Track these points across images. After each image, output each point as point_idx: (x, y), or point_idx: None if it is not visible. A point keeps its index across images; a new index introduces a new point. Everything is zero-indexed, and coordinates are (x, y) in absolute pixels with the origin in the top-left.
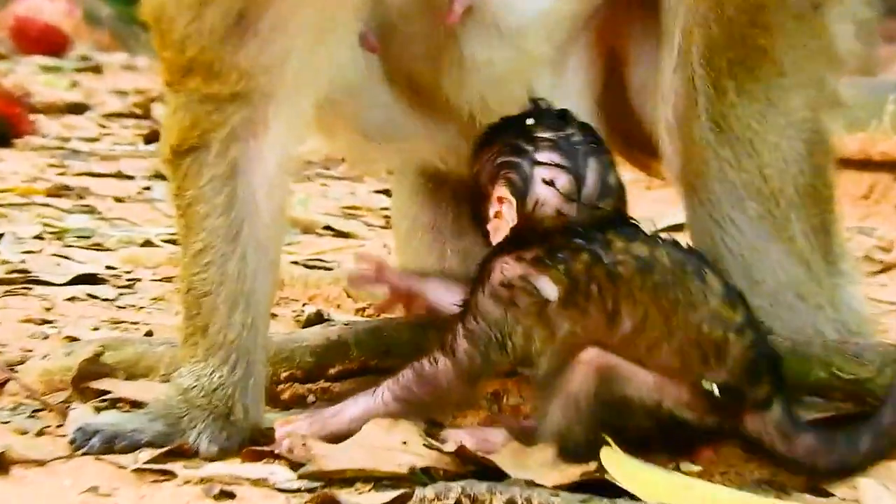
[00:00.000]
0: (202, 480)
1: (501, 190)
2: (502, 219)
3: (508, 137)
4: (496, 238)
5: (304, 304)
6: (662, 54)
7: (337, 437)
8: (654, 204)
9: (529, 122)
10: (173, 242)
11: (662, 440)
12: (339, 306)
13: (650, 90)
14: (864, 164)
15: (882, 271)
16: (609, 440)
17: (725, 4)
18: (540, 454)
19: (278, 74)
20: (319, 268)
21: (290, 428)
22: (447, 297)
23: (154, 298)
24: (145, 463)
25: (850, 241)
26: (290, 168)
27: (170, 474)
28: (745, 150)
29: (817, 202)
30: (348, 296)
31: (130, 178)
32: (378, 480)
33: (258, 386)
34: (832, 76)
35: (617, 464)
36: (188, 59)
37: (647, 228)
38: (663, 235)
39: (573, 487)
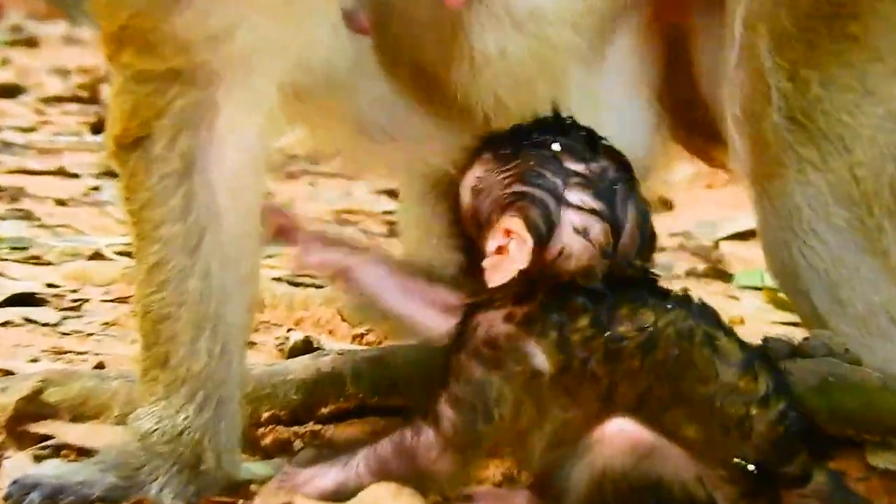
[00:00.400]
0: None
1: (513, 223)
2: (507, 257)
3: (529, 160)
4: (493, 279)
5: (289, 330)
6: (725, 47)
7: None
8: (717, 207)
9: (555, 147)
10: (128, 255)
11: None
12: (331, 332)
13: (719, 73)
14: None
15: None
16: None
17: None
18: None
19: (225, 49)
20: (308, 285)
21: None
22: (384, 284)
23: (105, 323)
24: None
25: None
26: (259, 164)
27: None
28: (833, 148)
29: None
30: (343, 319)
31: (75, 176)
32: None
33: (232, 428)
34: None
35: None
36: (119, 27)
37: (663, 281)
38: (676, 291)
39: None
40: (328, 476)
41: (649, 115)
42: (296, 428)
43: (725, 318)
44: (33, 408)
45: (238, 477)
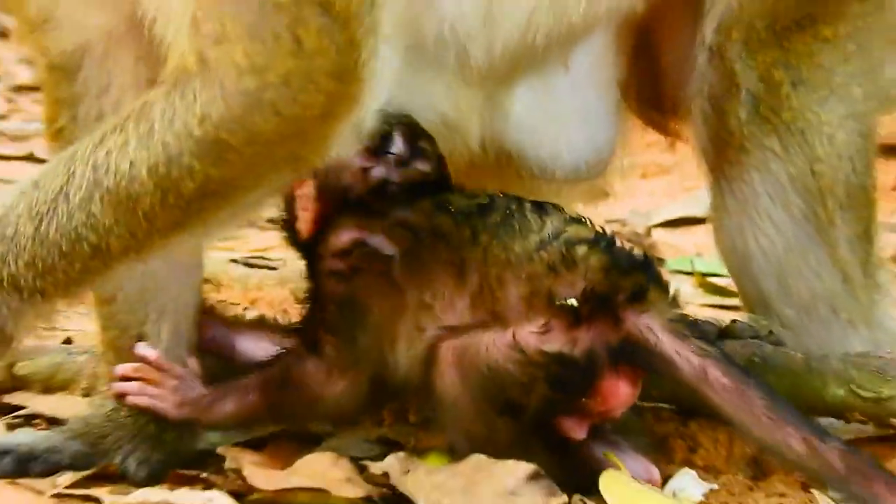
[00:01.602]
0: None
1: (299, 185)
2: (306, 205)
3: None
4: (306, 227)
5: (244, 309)
6: (693, 45)
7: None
8: (651, 195)
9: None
10: None
11: (560, 388)
12: (285, 311)
13: (686, 67)
14: (893, 150)
15: None
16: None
17: (776, 2)
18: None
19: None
20: (262, 266)
21: (149, 401)
22: (256, 346)
23: None
24: (66, 488)
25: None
26: None
27: (94, 501)
28: (795, 141)
29: (865, 204)
30: (296, 300)
31: (44, 161)
32: None
33: None
34: (891, 59)
35: (614, 487)
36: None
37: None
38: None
39: None
40: (228, 402)
41: (614, 113)
42: None
43: None
44: (5, 380)
45: (197, 446)
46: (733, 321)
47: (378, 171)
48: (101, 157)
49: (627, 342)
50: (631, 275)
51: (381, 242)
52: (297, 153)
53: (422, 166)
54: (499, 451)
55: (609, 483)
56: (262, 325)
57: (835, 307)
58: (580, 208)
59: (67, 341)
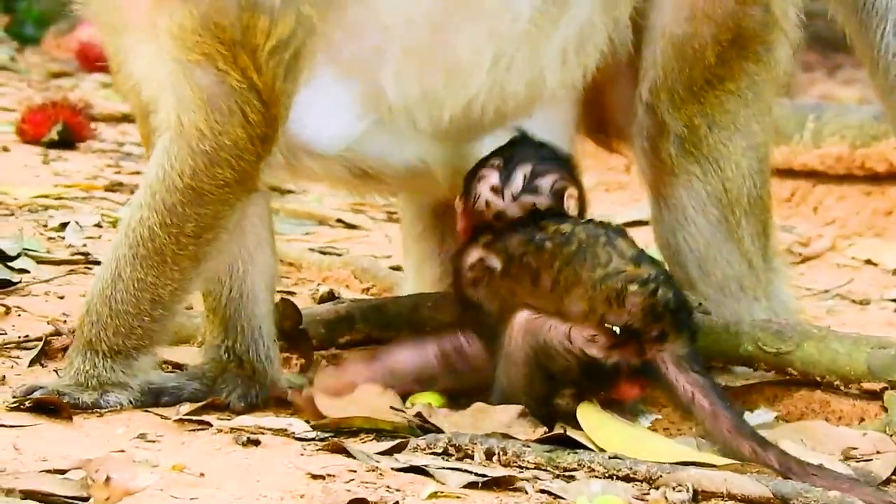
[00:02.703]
0: (232, 430)
1: (457, 200)
2: (458, 217)
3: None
4: (458, 231)
5: (318, 284)
6: (633, 99)
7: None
8: (612, 205)
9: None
10: None
11: (587, 378)
12: (347, 286)
13: (629, 114)
14: (787, 173)
15: (801, 262)
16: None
17: (692, 72)
18: (503, 413)
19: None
20: (331, 254)
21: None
22: (415, 358)
23: None
24: (185, 415)
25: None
26: None
27: (206, 424)
28: (711, 168)
29: (763, 210)
30: (355, 277)
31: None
32: (378, 432)
33: (268, 350)
34: (777, 103)
35: (589, 416)
36: None
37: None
38: (595, 218)
39: (541, 440)
40: (406, 358)
41: (570, 147)
42: (321, 352)
43: None
44: None
45: (280, 383)
46: None
47: (497, 204)
48: (131, 234)
49: (645, 365)
50: (662, 320)
51: (492, 260)
52: (249, 187)
53: (534, 199)
54: (528, 403)
55: (585, 412)
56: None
57: (743, 286)
58: None
59: (189, 308)
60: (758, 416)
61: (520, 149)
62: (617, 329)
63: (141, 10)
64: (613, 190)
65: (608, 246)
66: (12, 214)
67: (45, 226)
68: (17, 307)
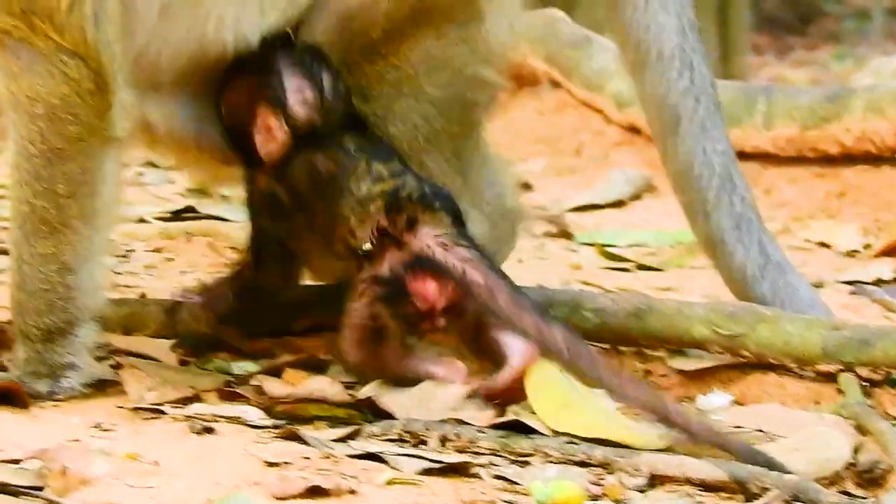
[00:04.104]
0: (187, 418)
1: (264, 109)
2: (272, 133)
3: (254, 66)
4: (268, 149)
5: None
6: None
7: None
8: (562, 189)
9: (278, 58)
10: (162, 220)
11: (389, 300)
12: None
13: None
14: (739, 156)
15: None
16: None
17: (350, 50)
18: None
19: None
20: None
21: None
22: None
23: (146, 266)
24: (139, 404)
25: None
26: None
27: (160, 413)
28: (384, 122)
29: (450, 139)
30: None
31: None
32: (331, 419)
33: None
34: (477, 66)
35: (537, 381)
36: None
37: None
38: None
39: (496, 426)
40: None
41: None
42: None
43: (568, 266)
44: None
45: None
46: None
47: (312, 116)
48: (16, 215)
49: (418, 257)
50: (404, 209)
51: (281, 194)
52: (104, 137)
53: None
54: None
55: (533, 377)
56: None
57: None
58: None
59: (142, 296)
60: (713, 400)
61: (300, 52)
62: (368, 245)
63: None
64: (564, 174)
65: (364, 173)
66: None
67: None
68: None
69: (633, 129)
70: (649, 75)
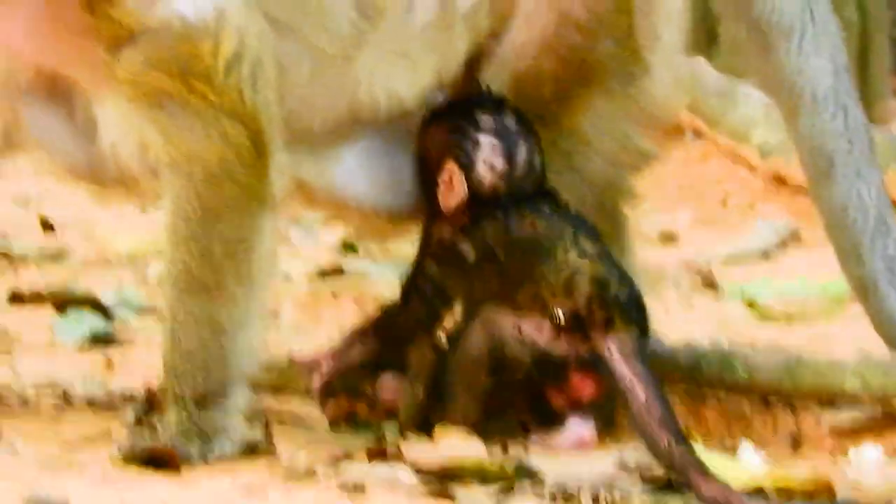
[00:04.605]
0: (339, 479)
1: (452, 167)
2: (453, 188)
3: (455, 118)
4: (446, 202)
5: None
6: None
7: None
8: (709, 239)
9: (475, 113)
10: (309, 277)
11: (537, 371)
12: None
13: None
14: None
15: None
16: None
17: (525, 108)
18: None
19: None
20: None
21: None
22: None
23: (294, 325)
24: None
25: None
26: None
27: (312, 473)
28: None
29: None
30: None
31: None
32: (482, 479)
33: None
34: (640, 131)
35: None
36: None
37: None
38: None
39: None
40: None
41: None
42: None
43: (716, 318)
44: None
45: None
46: None
47: (497, 182)
48: (172, 276)
49: (596, 357)
50: (609, 309)
51: (465, 247)
52: (262, 200)
53: (529, 182)
54: (494, 403)
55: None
56: None
57: None
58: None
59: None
60: (864, 454)
61: (505, 116)
62: (561, 315)
63: (100, 72)
64: (710, 224)
65: (572, 244)
66: (112, 265)
67: (144, 276)
68: (121, 360)
69: (779, 179)
70: (802, 119)
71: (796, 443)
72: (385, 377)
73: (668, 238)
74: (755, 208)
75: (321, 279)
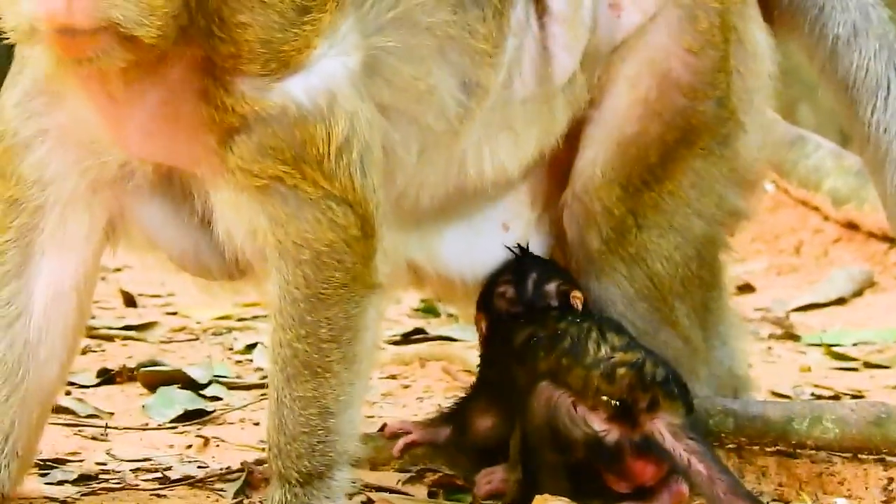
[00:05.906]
0: None
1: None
2: (480, 327)
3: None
4: (479, 336)
5: None
6: (566, 194)
7: None
8: (785, 289)
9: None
10: (394, 343)
11: (593, 455)
12: None
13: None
14: None
15: None
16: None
17: (631, 171)
18: None
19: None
20: None
21: None
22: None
23: (383, 394)
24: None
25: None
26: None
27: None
28: (637, 266)
29: (701, 287)
30: None
31: None
32: None
33: None
34: (734, 191)
35: None
36: None
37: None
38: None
39: None
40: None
41: None
42: None
43: (795, 367)
44: None
45: None
46: None
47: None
48: (278, 359)
49: (645, 439)
50: (650, 390)
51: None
52: (368, 284)
53: (544, 302)
54: (555, 481)
55: None
56: None
57: (681, 363)
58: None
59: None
60: None
61: (525, 262)
62: (615, 402)
63: (212, 162)
64: (785, 273)
65: (599, 339)
66: (197, 339)
67: (231, 349)
68: (215, 437)
69: (852, 226)
70: (890, 174)
71: (889, 496)
72: (487, 470)
73: (745, 288)
74: (829, 256)
75: (405, 344)
